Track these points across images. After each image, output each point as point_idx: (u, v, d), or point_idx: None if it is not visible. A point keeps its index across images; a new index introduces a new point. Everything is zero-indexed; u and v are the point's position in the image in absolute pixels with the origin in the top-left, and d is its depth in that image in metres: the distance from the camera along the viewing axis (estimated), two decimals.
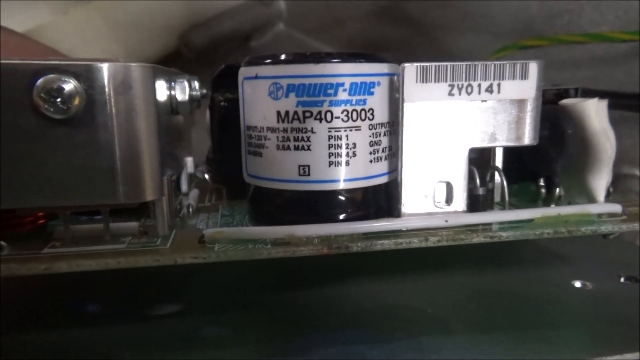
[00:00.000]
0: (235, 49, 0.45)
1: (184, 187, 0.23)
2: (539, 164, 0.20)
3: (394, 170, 0.18)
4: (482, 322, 0.19)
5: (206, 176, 0.23)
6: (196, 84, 0.20)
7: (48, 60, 0.15)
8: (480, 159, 0.20)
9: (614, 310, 0.20)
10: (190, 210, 0.20)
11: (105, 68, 0.15)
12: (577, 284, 0.22)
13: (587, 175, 0.19)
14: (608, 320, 0.19)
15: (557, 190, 0.20)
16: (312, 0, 0.46)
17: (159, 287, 0.21)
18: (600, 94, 0.20)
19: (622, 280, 0.22)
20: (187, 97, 0.19)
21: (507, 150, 0.20)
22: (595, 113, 0.19)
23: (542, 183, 0.21)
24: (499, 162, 0.20)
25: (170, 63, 0.25)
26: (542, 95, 0.22)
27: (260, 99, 0.17)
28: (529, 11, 0.39)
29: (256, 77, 0.17)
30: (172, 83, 0.19)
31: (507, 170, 0.20)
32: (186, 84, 0.19)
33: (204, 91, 0.21)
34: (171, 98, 0.19)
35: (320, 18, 0.46)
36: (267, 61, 0.17)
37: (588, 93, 0.22)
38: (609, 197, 0.21)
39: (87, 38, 0.38)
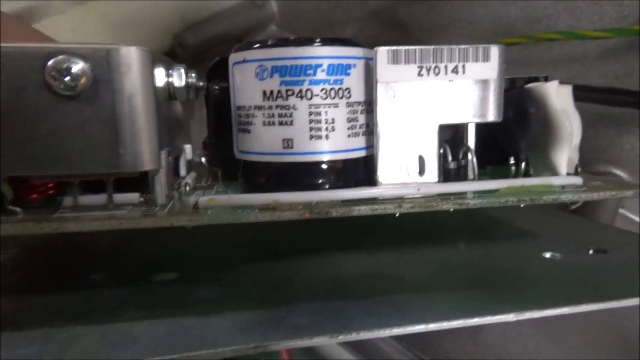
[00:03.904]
0: (228, 50, 0.48)
1: (182, 171, 0.24)
2: (508, 143, 0.22)
3: (372, 145, 0.20)
4: (452, 285, 0.20)
5: (203, 159, 0.25)
6: (193, 74, 0.22)
7: (59, 44, 0.16)
8: (455, 138, 0.22)
9: (580, 275, 0.21)
10: (187, 188, 0.22)
11: (108, 51, 0.17)
12: (547, 255, 0.23)
13: (550, 151, 0.21)
14: (573, 283, 0.20)
15: (523, 165, 0.22)
16: (303, 3, 0.48)
17: (156, 256, 0.23)
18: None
19: (590, 252, 0.24)
20: (183, 84, 0.21)
21: (481, 133, 0.22)
22: (555, 94, 0.21)
23: (512, 162, 0.23)
24: (471, 141, 0.22)
25: None
26: (514, 82, 0.24)
27: (247, 81, 0.19)
28: (510, 16, 0.41)
29: (244, 61, 0.19)
30: (170, 70, 0.21)
31: (481, 152, 0.22)
32: (182, 71, 0.21)
33: (201, 83, 0.23)
34: (169, 84, 0.21)
35: (312, 21, 0.49)
36: (254, 46, 0.19)
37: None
38: (577, 174, 0.22)
39: (84, 37, 0.39)
